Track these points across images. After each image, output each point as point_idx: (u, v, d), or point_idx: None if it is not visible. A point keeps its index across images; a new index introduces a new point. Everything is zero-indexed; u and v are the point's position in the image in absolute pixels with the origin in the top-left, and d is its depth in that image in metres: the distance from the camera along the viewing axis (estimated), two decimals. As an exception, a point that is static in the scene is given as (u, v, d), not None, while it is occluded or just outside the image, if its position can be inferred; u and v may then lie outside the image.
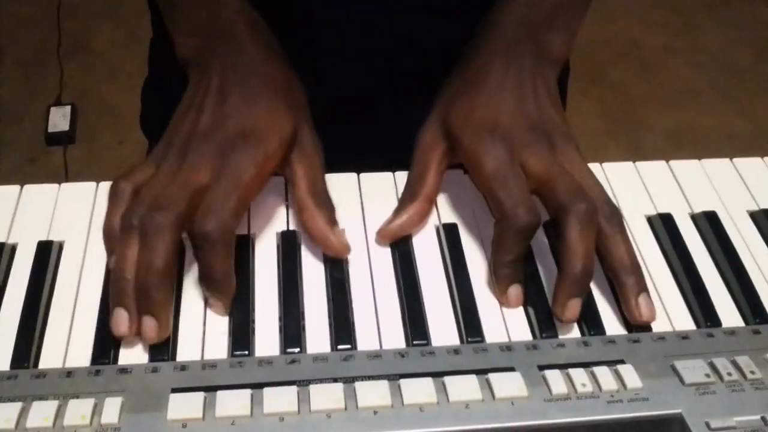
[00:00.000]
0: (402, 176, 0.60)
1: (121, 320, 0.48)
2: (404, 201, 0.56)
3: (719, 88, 2.22)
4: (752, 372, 0.47)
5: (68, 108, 1.93)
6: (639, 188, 0.61)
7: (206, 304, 0.51)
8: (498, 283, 0.52)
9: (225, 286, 0.50)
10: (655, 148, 1.99)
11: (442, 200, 0.59)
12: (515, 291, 0.52)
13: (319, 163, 0.56)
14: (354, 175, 0.61)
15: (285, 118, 0.55)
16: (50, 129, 1.90)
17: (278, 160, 0.54)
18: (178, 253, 0.51)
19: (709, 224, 0.58)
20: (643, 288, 0.51)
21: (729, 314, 0.52)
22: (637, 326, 0.51)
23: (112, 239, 0.51)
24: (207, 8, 0.58)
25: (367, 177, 0.60)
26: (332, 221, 0.54)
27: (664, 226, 0.58)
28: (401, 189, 0.59)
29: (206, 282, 0.50)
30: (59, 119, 1.90)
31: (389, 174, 0.61)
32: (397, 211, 0.56)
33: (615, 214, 0.53)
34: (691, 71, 2.27)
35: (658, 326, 0.51)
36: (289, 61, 0.59)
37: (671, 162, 0.63)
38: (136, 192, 0.52)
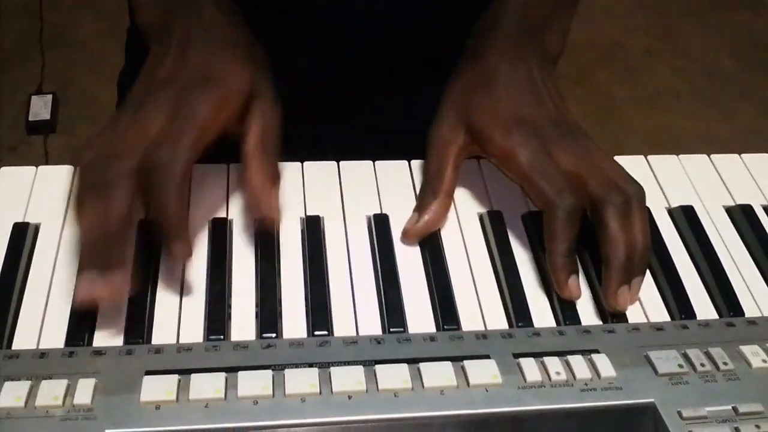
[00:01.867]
0: (382, 165, 0.60)
1: (81, 285, 0.46)
2: (426, 198, 0.56)
3: (700, 92, 2.23)
4: (725, 363, 0.47)
5: (49, 97, 1.92)
6: (617, 182, 0.61)
7: (182, 285, 0.50)
8: (556, 274, 0.52)
9: (180, 222, 0.48)
10: (635, 149, 1.99)
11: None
12: (574, 281, 0.51)
13: (274, 119, 0.55)
14: (333, 163, 0.61)
15: (244, 68, 0.54)
16: (31, 118, 1.88)
17: (235, 106, 0.52)
18: (137, 206, 0.49)
19: (686, 218, 0.59)
20: (642, 272, 0.52)
21: (703, 307, 0.53)
22: (610, 310, 0.51)
23: (76, 204, 0.49)
24: None
25: (346, 165, 0.60)
26: (268, 183, 0.52)
27: (641, 219, 0.58)
28: (382, 177, 0.59)
29: (160, 218, 0.47)
30: (40, 108, 1.89)
31: (369, 163, 0.61)
32: (420, 209, 0.55)
33: (639, 193, 0.53)
34: (672, 74, 2.28)
35: (633, 317, 0.52)
36: (252, 33, 0.58)
37: (649, 156, 0.64)
38: (97, 153, 0.50)
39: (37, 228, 0.54)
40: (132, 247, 0.48)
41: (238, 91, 0.53)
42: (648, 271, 0.55)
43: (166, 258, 0.51)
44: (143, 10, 0.59)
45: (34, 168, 0.59)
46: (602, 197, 0.52)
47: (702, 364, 0.47)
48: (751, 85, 2.25)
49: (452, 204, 0.57)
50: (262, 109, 0.54)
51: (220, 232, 0.54)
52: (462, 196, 0.58)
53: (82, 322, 0.48)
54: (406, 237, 0.55)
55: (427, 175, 0.57)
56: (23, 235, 0.53)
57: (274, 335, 0.48)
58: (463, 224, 0.57)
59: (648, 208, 0.54)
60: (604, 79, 2.24)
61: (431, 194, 0.56)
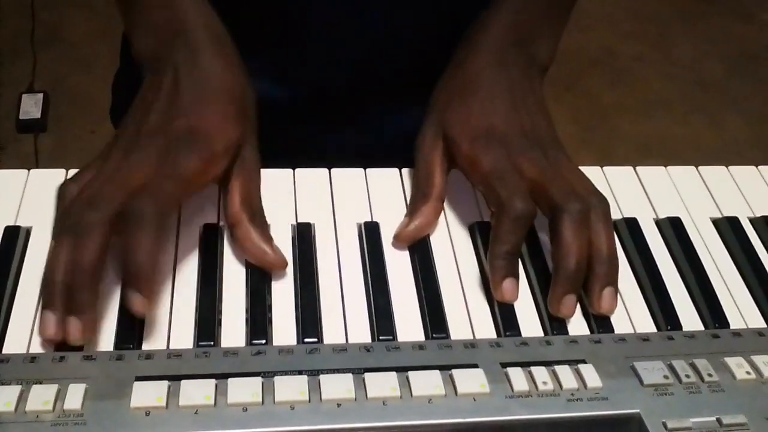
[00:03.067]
0: (374, 173, 0.61)
1: (47, 323, 0.46)
2: (416, 203, 0.57)
3: (690, 100, 2.25)
4: (710, 375, 0.48)
5: (40, 96, 1.91)
6: (605, 192, 0.61)
7: (173, 291, 0.51)
8: (493, 275, 0.52)
9: (146, 274, 0.47)
10: (625, 156, 2.01)
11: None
12: (510, 284, 0.52)
13: (257, 179, 0.56)
14: (325, 170, 0.61)
15: (233, 125, 0.54)
16: (22, 116, 1.88)
17: (221, 165, 0.53)
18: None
19: (673, 230, 0.59)
20: (612, 281, 0.52)
21: (689, 318, 0.53)
22: (597, 320, 0.52)
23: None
24: (166, 11, 0.57)
25: (338, 173, 0.61)
26: (267, 235, 0.53)
27: (628, 230, 0.59)
28: (373, 186, 0.60)
29: (126, 266, 0.47)
30: (31, 107, 1.88)
31: (360, 170, 0.61)
32: (411, 214, 0.56)
33: (603, 207, 0.54)
34: (663, 82, 2.30)
35: (620, 328, 0.52)
36: (247, 74, 0.58)
37: (638, 168, 0.65)
38: (80, 193, 0.50)
39: (28, 232, 0.54)
40: (97, 293, 0.48)
41: (226, 151, 0.53)
42: (635, 282, 0.55)
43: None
44: (136, 38, 0.59)
45: (26, 171, 0.59)
46: (559, 204, 0.53)
47: (687, 375, 0.48)
48: (740, 94, 2.27)
49: (443, 213, 0.58)
50: (245, 167, 0.54)
51: (211, 238, 0.54)
52: (452, 206, 0.59)
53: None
54: (398, 241, 0.56)
55: (417, 181, 0.58)
56: (14, 239, 0.53)
57: (263, 342, 0.49)
58: (453, 234, 0.57)
59: (611, 220, 0.54)
60: (595, 86, 2.26)
61: (422, 198, 0.56)
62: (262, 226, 0.53)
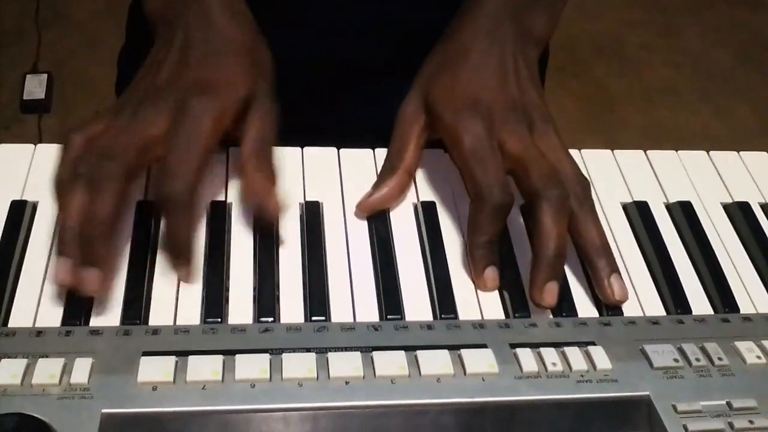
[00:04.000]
0: (382, 153, 0.60)
1: (63, 268, 0.47)
2: (384, 174, 0.56)
3: (697, 89, 2.24)
4: (720, 358, 0.47)
5: (44, 76, 1.91)
6: (616, 176, 0.61)
7: (175, 272, 0.50)
8: (474, 264, 0.52)
9: (186, 251, 0.50)
10: (631, 144, 1.99)
11: (420, 178, 0.59)
12: (491, 272, 0.52)
13: (271, 125, 0.55)
14: (334, 149, 0.60)
15: (244, 76, 0.54)
16: (25, 96, 1.87)
17: (234, 115, 0.53)
18: (126, 205, 0.50)
19: (684, 214, 0.59)
20: (614, 269, 0.52)
21: (699, 302, 0.53)
22: (609, 307, 0.51)
23: (62, 189, 0.49)
24: None
25: (346, 152, 0.60)
26: (271, 185, 0.53)
27: (639, 213, 0.58)
28: (380, 164, 0.59)
29: (168, 246, 0.50)
30: (35, 87, 1.88)
31: (369, 150, 0.61)
32: (377, 185, 0.56)
33: (586, 196, 0.53)
34: (670, 71, 2.28)
35: (629, 311, 0.52)
36: (259, 31, 0.58)
37: (648, 152, 0.64)
38: (89, 144, 0.51)
39: (34, 206, 0.54)
40: (114, 244, 0.49)
41: (237, 101, 0.53)
42: (645, 266, 0.55)
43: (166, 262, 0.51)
44: None
45: (32, 146, 0.58)
46: (538, 190, 0.52)
47: (697, 359, 0.47)
48: (748, 83, 2.26)
49: (453, 191, 0.57)
50: (259, 112, 0.54)
51: (219, 216, 0.54)
52: (460, 187, 0.58)
53: (79, 301, 0.48)
54: (359, 210, 0.56)
55: (389, 153, 0.57)
56: (21, 213, 0.53)
57: (271, 319, 0.48)
58: (462, 216, 0.57)
59: (593, 204, 0.54)
60: (602, 74, 2.24)
61: (389, 170, 0.56)
62: (268, 174, 0.53)
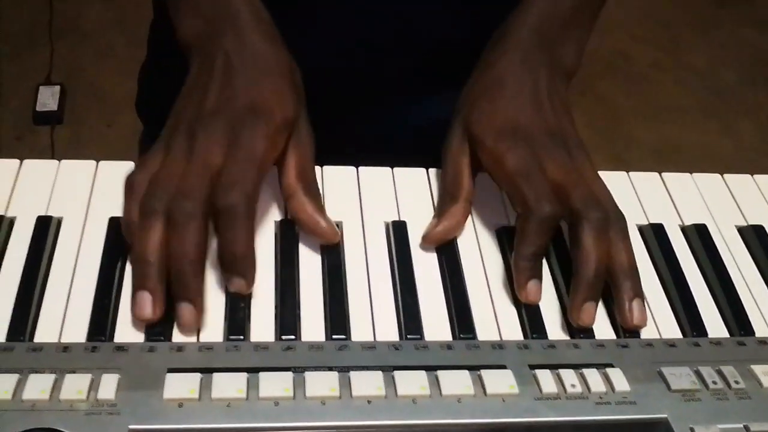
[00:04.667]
0: (401, 172, 0.61)
1: (145, 303, 0.48)
2: (445, 204, 0.57)
3: (703, 107, 2.25)
4: (736, 382, 0.48)
5: (57, 88, 1.92)
6: (631, 198, 0.62)
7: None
8: (517, 276, 0.53)
9: (250, 262, 0.50)
10: (638, 161, 2.01)
11: (438, 197, 0.60)
12: (534, 285, 0.52)
13: (310, 152, 0.57)
14: (353, 168, 0.61)
15: (290, 98, 0.55)
16: (38, 108, 1.88)
17: (285, 137, 0.54)
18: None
19: (699, 237, 0.59)
20: (638, 294, 0.52)
21: (715, 325, 0.54)
22: (626, 331, 0.52)
23: (132, 227, 0.50)
24: None
25: (365, 171, 0.61)
26: (321, 207, 0.55)
27: (655, 236, 0.59)
28: (399, 183, 0.60)
29: (231, 259, 0.50)
30: (48, 98, 1.89)
31: (388, 169, 0.61)
32: (440, 215, 0.56)
33: (621, 222, 0.54)
34: (677, 88, 2.29)
35: (646, 333, 0.52)
36: (290, 53, 0.59)
37: (663, 174, 0.65)
38: (152, 180, 0.51)
39: (59, 222, 0.55)
40: (204, 280, 0.50)
41: (286, 122, 0.54)
42: (661, 288, 0.56)
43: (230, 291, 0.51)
44: (181, 23, 0.59)
45: (56, 162, 0.59)
46: (580, 211, 0.53)
47: (714, 382, 0.48)
48: (754, 101, 2.27)
49: (470, 215, 0.58)
50: (300, 140, 0.56)
51: (241, 233, 0.55)
52: (479, 208, 0.59)
53: (104, 317, 0.49)
54: (426, 242, 0.56)
55: (445, 183, 0.58)
56: (46, 229, 0.53)
57: (293, 337, 0.49)
58: (480, 236, 0.57)
59: (629, 236, 0.54)
60: (609, 91, 2.25)
61: (450, 200, 0.57)
62: (316, 198, 0.55)
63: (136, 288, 0.48)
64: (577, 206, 0.53)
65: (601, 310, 0.53)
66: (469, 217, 0.58)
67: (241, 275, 0.50)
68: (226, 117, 0.52)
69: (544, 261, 0.56)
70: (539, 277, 0.53)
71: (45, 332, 0.48)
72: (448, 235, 0.56)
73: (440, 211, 0.57)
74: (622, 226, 0.54)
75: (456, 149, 0.59)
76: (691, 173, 0.65)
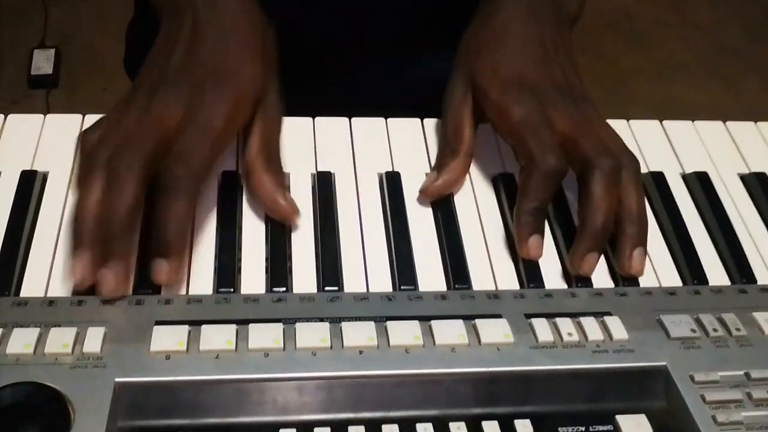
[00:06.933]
0: (394, 123, 0.60)
1: (79, 267, 0.45)
2: (445, 158, 0.55)
3: (708, 64, 2.22)
4: (737, 329, 0.47)
5: (52, 51, 1.90)
6: (632, 146, 0.60)
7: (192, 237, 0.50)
8: (519, 230, 0.51)
9: (178, 241, 0.47)
10: (643, 119, 1.99)
11: (434, 146, 0.58)
12: (536, 240, 0.51)
13: (277, 124, 0.54)
14: (345, 119, 0.60)
15: (256, 68, 0.53)
16: (33, 72, 1.86)
17: (248, 108, 0.52)
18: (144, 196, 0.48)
19: (700, 184, 0.58)
20: (642, 242, 0.51)
21: (716, 273, 0.52)
22: (624, 278, 0.51)
23: (79, 181, 0.49)
24: None
25: (358, 122, 0.60)
26: (281, 184, 0.52)
27: (655, 184, 0.57)
28: (392, 134, 0.59)
29: (158, 234, 0.46)
30: (43, 62, 1.87)
31: (381, 119, 0.60)
32: (440, 168, 0.55)
33: (634, 167, 0.53)
34: (680, 45, 2.26)
35: (646, 281, 0.51)
36: (266, 16, 0.57)
37: (664, 122, 0.63)
38: (104, 138, 0.49)
39: (45, 176, 0.53)
40: (134, 240, 0.48)
41: (251, 93, 0.52)
42: (661, 236, 0.54)
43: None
44: None
45: (41, 116, 0.58)
46: (591, 160, 0.52)
47: (714, 329, 0.47)
48: (759, 58, 2.23)
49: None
50: (265, 111, 0.53)
51: (230, 185, 0.54)
52: (475, 158, 0.57)
53: (91, 271, 0.47)
54: (425, 195, 0.54)
55: (446, 135, 0.57)
56: (31, 183, 0.52)
57: (284, 289, 0.48)
58: (476, 185, 0.56)
59: (641, 180, 0.53)
60: (612, 48, 2.22)
61: (450, 153, 0.55)
62: (276, 174, 0.52)
63: (73, 248, 0.46)
64: (587, 155, 0.52)
65: (600, 258, 0.52)
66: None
67: (164, 253, 0.46)
68: (188, 81, 0.50)
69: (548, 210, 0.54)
70: (541, 233, 0.51)
71: (30, 287, 0.47)
72: (447, 189, 0.55)
73: (440, 164, 0.55)
74: (634, 170, 0.53)
75: (458, 100, 0.57)
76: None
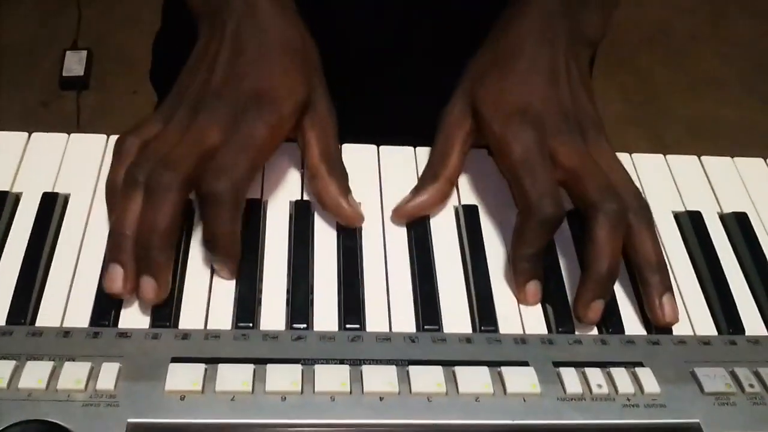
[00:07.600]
0: (423, 152, 0.58)
1: (116, 276, 0.46)
2: (425, 180, 0.54)
3: (744, 80, 2.18)
4: (775, 385, 0.45)
5: (84, 53, 1.90)
6: (668, 183, 0.59)
7: (213, 269, 0.49)
8: (516, 277, 0.50)
9: (231, 250, 0.48)
10: (676, 136, 1.95)
11: (463, 180, 0.57)
12: (534, 287, 0.49)
13: (332, 128, 0.54)
14: (373, 147, 0.58)
15: (300, 80, 0.52)
16: (65, 73, 1.87)
17: (292, 124, 0.52)
18: (183, 215, 0.49)
19: (739, 226, 0.56)
20: (667, 287, 0.49)
21: (753, 321, 0.50)
22: (658, 327, 0.49)
23: (115, 194, 0.49)
24: None
25: (387, 150, 0.58)
26: (345, 189, 0.52)
27: (692, 224, 0.55)
28: (422, 165, 0.57)
29: (211, 244, 0.48)
30: (74, 64, 1.87)
31: (410, 149, 0.58)
32: (416, 191, 0.53)
33: (644, 210, 0.51)
34: (717, 61, 2.22)
35: (679, 329, 0.49)
36: (306, 26, 0.56)
37: (703, 158, 0.61)
38: (143, 147, 0.50)
39: (66, 199, 0.52)
40: (174, 253, 0.48)
41: (295, 109, 0.51)
42: (696, 280, 0.53)
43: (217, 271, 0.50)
44: None
45: (65, 135, 0.57)
46: (595, 202, 0.49)
47: (751, 385, 0.45)
48: (798, 76, 2.19)
49: (496, 199, 0.55)
50: (319, 118, 0.53)
51: (253, 215, 0.52)
52: (505, 192, 0.55)
53: (108, 301, 0.46)
54: (396, 216, 0.53)
55: (432, 158, 0.55)
56: (52, 206, 0.51)
57: (304, 326, 0.47)
58: (505, 220, 0.54)
59: (653, 222, 0.51)
60: (647, 63, 2.19)
61: (431, 177, 0.54)
62: (340, 178, 0.52)
63: (109, 260, 0.46)
64: (591, 196, 0.50)
65: (631, 303, 0.50)
66: (494, 199, 0.55)
67: (221, 261, 0.48)
68: (230, 99, 0.50)
69: (568, 250, 0.53)
70: (540, 278, 0.50)
71: (46, 316, 0.46)
72: (419, 212, 0.53)
73: (419, 185, 0.54)
74: (645, 215, 0.50)
75: (453, 122, 0.55)
76: (731, 156, 0.61)
